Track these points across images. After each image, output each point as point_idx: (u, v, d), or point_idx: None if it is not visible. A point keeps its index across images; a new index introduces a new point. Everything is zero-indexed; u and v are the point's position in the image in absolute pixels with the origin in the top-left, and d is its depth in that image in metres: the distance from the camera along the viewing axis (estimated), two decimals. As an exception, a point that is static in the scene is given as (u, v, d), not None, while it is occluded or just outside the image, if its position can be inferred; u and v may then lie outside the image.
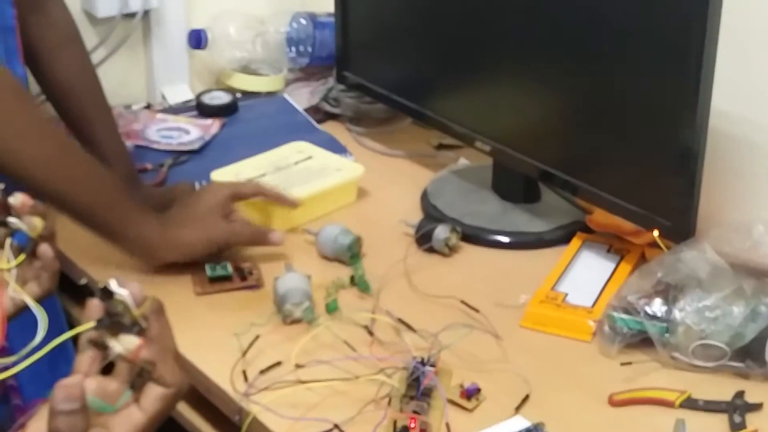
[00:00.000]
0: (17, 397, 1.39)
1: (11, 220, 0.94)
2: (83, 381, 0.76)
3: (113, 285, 0.78)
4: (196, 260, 1.34)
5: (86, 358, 0.81)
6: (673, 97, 1.24)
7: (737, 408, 1.12)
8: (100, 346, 0.77)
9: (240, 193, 1.39)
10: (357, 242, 1.37)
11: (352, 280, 1.32)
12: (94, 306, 0.81)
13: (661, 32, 1.24)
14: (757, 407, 1.13)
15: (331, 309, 1.25)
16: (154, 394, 0.79)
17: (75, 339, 0.83)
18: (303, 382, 1.13)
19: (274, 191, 1.42)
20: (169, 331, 0.81)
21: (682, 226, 1.26)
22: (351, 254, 1.36)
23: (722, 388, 1.15)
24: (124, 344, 0.77)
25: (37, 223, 0.95)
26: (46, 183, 1.23)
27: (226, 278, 1.33)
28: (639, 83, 1.28)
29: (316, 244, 1.40)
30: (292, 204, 1.43)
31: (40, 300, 0.95)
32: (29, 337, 0.87)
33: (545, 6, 1.37)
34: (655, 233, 1.28)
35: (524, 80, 1.44)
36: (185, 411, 1.24)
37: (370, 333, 1.22)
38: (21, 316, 0.95)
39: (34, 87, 1.48)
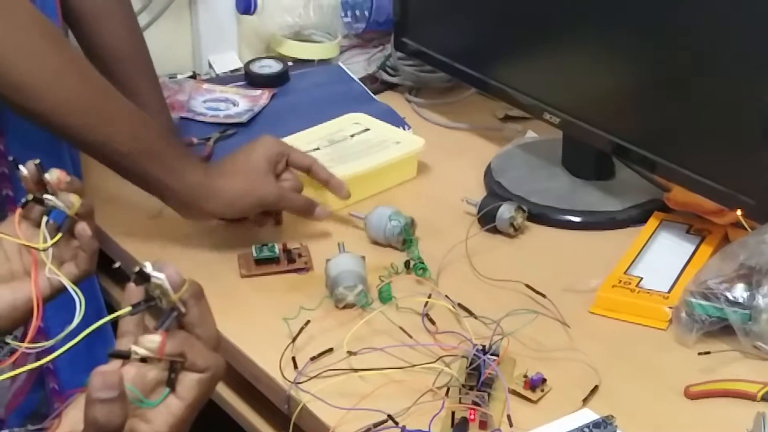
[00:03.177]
0: (53, 380, 1.43)
1: (47, 197, 0.97)
2: (121, 368, 0.78)
3: (149, 268, 0.79)
4: (240, 216, 1.37)
5: (126, 344, 0.83)
6: (759, 64, 1.23)
7: (825, 402, 1.12)
8: (122, 356, 0.79)
9: (291, 159, 1.39)
10: (411, 225, 1.38)
11: (408, 265, 1.33)
12: (133, 290, 0.83)
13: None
14: None
15: (386, 299, 1.26)
16: (189, 381, 0.81)
17: (113, 322, 0.86)
18: (355, 371, 1.15)
19: (325, 172, 1.41)
20: (209, 316, 0.83)
21: (767, 205, 1.25)
22: (404, 238, 1.37)
23: (809, 381, 1.15)
24: (145, 345, 0.78)
25: (75, 200, 0.98)
26: (82, 130, 1.24)
27: (273, 260, 1.35)
28: (722, 50, 1.27)
29: (365, 228, 1.41)
30: (340, 193, 1.42)
31: (78, 281, 0.98)
32: (66, 318, 0.89)
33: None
34: (738, 212, 1.27)
35: (598, 47, 1.44)
36: (231, 399, 1.27)
37: (432, 321, 1.23)
38: (57, 297, 0.98)
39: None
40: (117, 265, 0.86)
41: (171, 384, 0.80)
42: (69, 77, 1.22)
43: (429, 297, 1.26)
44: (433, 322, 1.23)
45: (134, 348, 0.78)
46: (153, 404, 0.80)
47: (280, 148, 1.38)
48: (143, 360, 0.78)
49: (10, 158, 1.03)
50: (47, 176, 0.97)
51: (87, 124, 1.24)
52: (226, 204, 1.33)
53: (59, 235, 0.97)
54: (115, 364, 0.79)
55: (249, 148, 1.38)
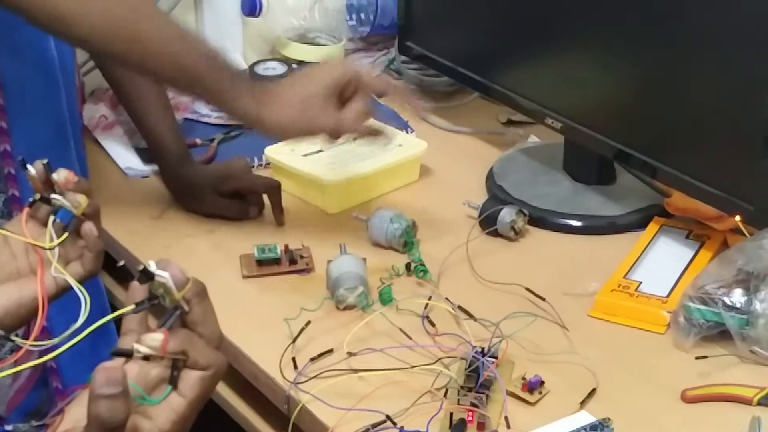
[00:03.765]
0: (57, 379, 1.44)
1: (55, 197, 0.97)
2: (125, 365, 0.79)
3: (153, 266, 0.80)
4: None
5: (129, 342, 0.84)
6: (759, 71, 1.24)
7: (820, 407, 1.13)
8: (124, 354, 0.79)
9: (361, 83, 1.30)
10: (412, 228, 1.39)
11: (408, 268, 1.34)
12: (137, 289, 0.84)
13: (746, 3, 1.24)
14: (841, 406, 1.14)
15: (386, 300, 1.27)
16: (192, 379, 0.82)
17: (117, 321, 0.87)
18: (355, 371, 1.16)
19: (400, 99, 1.40)
20: (212, 314, 0.84)
21: (765, 211, 1.26)
22: (405, 240, 1.38)
23: (805, 386, 1.16)
24: (147, 344, 0.79)
25: (82, 200, 0.98)
26: (122, 57, 1.27)
27: (274, 261, 1.35)
28: (723, 57, 1.28)
29: (367, 230, 1.41)
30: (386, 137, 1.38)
31: (83, 281, 0.98)
32: (70, 318, 0.90)
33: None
34: (737, 218, 1.27)
35: (600, 52, 1.45)
36: (231, 399, 1.27)
37: (432, 323, 1.24)
38: (62, 296, 0.99)
39: (82, 53, 1.52)
40: (122, 263, 0.87)
41: (173, 381, 0.82)
42: (99, 3, 1.23)
43: (429, 299, 1.27)
44: (433, 324, 1.24)
45: (137, 346, 0.79)
46: (155, 401, 0.81)
47: (347, 73, 1.30)
48: (146, 358, 0.80)
49: (19, 158, 1.03)
50: (55, 176, 0.97)
51: (125, 49, 1.25)
52: (276, 134, 1.34)
53: (66, 234, 0.97)
54: (119, 360, 0.80)
55: (312, 72, 1.33)
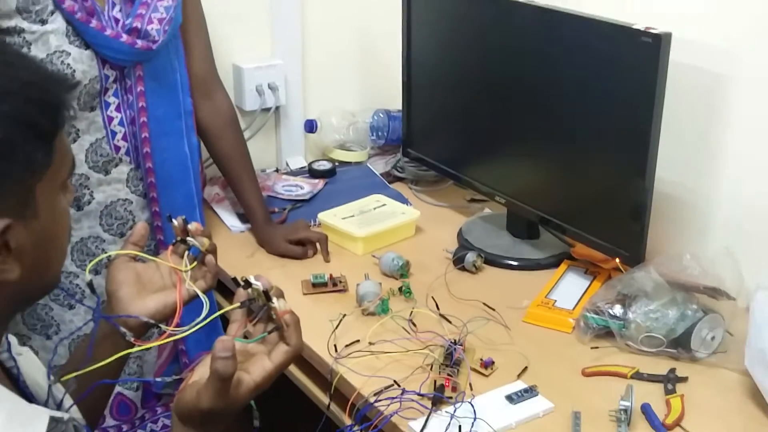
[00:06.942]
0: (185, 356, 1.43)
1: (189, 239, 0.98)
2: (234, 338, 0.81)
3: (252, 279, 0.83)
4: None
5: (235, 326, 0.86)
6: (629, 168, 1.25)
7: (670, 380, 1.14)
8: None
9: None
10: (406, 265, 1.39)
11: (401, 290, 1.33)
12: (241, 293, 0.86)
13: (620, 125, 1.26)
14: (683, 379, 1.14)
15: (381, 311, 1.26)
16: (281, 349, 0.83)
17: (224, 319, 0.88)
18: (373, 353, 1.16)
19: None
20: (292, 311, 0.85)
21: (635, 256, 1.27)
22: (401, 273, 1.38)
23: (660, 367, 1.16)
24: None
25: (206, 241, 0.98)
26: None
27: (323, 284, 1.35)
28: (604, 158, 1.30)
29: (378, 264, 1.41)
30: None
31: (205, 292, 0.98)
32: (194, 316, 0.91)
33: (541, 110, 1.39)
34: (617, 260, 1.29)
35: (528, 156, 1.45)
36: (294, 370, 1.26)
37: (414, 324, 1.23)
38: (191, 302, 1.01)
39: (204, 153, 1.54)
40: (233, 276, 0.88)
41: (282, 336, 0.83)
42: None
43: (413, 309, 1.26)
44: (414, 325, 1.23)
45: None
46: (258, 339, 0.83)
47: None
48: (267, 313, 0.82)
49: (167, 215, 1.05)
50: (189, 226, 0.98)
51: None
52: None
53: (195, 263, 0.98)
54: (230, 336, 0.80)
55: None
